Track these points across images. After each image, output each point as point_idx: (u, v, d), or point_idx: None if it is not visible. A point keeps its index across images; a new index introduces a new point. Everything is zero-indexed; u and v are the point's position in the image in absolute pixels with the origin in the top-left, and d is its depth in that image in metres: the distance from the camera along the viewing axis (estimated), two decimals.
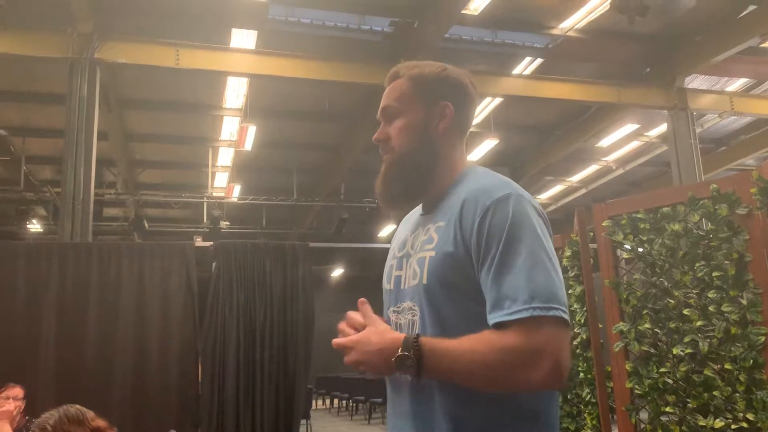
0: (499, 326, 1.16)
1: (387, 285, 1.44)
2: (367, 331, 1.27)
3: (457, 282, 1.25)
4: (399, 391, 1.33)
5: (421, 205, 1.45)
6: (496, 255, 1.19)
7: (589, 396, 3.40)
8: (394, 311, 1.37)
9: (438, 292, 1.26)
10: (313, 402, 14.26)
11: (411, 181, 1.39)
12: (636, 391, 2.93)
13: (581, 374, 3.48)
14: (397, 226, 1.57)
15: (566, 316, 1.16)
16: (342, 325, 1.31)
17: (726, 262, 2.68)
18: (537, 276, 1.16)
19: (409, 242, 1.40)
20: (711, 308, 2.71)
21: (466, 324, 1.21)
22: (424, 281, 1.28)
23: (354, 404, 13.45)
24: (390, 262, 1.45)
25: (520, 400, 1.22)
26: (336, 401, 15.00)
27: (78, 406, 2.56)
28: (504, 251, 1.19)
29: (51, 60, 8.22)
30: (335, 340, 1.28)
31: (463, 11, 8.37)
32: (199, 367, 5.40)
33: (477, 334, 1.18)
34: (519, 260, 1.17)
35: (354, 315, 1.32)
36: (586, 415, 3.44)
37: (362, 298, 1.34)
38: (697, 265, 2.77)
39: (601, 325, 3.28)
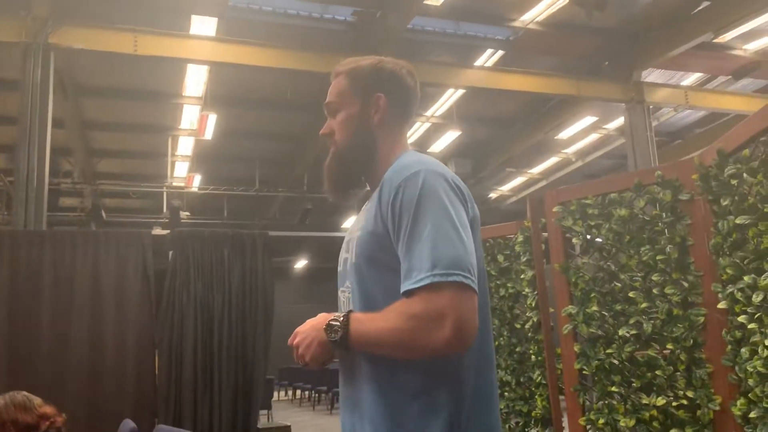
0: (407, 295, 1.23)
1: (339, 268, 1.53)
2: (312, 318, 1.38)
3: (381, 258, 1.33)
4: (342, 377, 1.43)
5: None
6: (406, 229, 1.27)
7: (540, 378, 3.48)
8: (341, 291, 1.47)
9: (364, 269, 1.36)
10: (276, 393, 14.23)
11: (350, 170, 1.50)
12: (584, 372, 3.01)
13: (533, 357, 3.55)
14: None
15: (468, 282, 1.22)
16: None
17: (669, 246, 2.76)
18: (439, 245, 1.23)
19: (354, 226, 1.49)
20: (655, 291, 2.80)
21: (391, 298, 1.28)
22: (353, 260, 1.39)
23: (316, 395, 13.47)
24: (342, 246, 1.54)
25: (447, 369, 1.28)
26: (298, 392, 14.98)
27: (25, 393, 2.53)
28: (412, 225, 1.27)
29: (3, 44, 7.98)
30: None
31: (426, 2, 8.41)
32: (156, 357, 5.34)
33: (392, 305, 1.25)
34: (424, 232, 1.25)
35: None
36: (537, 396, 3.52)
37: None
38: (642, 249, 2.85)
39: (552, 309, 3.35)
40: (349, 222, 15.91)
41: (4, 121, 10.56)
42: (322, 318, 1.34)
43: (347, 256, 1.46)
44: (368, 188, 1.54)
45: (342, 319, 1.29)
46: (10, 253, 5.13)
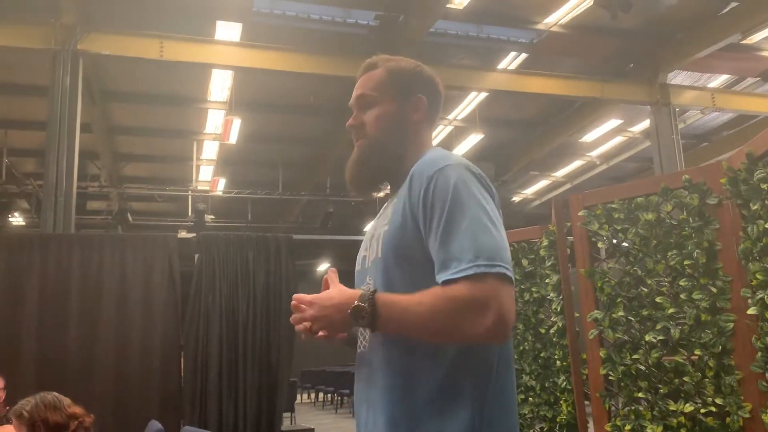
0: (446, 284, 1.22)
1: (357, 267, 1.52)
2: (329, 290, 1.34)
3: (409, 253, 1.31)
4: (361, 370, 1.41)
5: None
6: (441, 220, 1.26)
7: (565, 383, 3.45)
8: (362, 289, 1.43)
9: (391, 263, 1.33)
10: (298, 396, 14.28)
11: (382, 167, 1.48)
12: (610, 378, 2.98)
13: (557, 362, 3.53)
14: None
15: (510, 273, 1.21)
16: (296, 295, 1.35)
17: (697, 250, 2.73)
18: (480, 237, 1.22)
19: (375, 225, 1.48)
20: (682, 296, 2.76)
21: (416, 291, 1.26)
22: (380, 255, 1.36)
23: (339, 398, 13.48)
24: (362, 245, 1.53)
25: (474, 358, 1.28)
26: (321, 395, 15.01)
27: (54, 393, 2.58)
28: (449, 216, 1.25)
29: (33, 51, 8.15)
30: (296, 295, 1.33)
31: (448, 5, 8.41)
32: (182, 359, 5.39)
33: (428, 290, 1.24)
34: (463, 224, 1.24)
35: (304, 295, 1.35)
36: (562, 402, 3.49)
37: (332, 268, 1.42)
38: (669, 253, 2.82)
39: (577, 314, 3.32)
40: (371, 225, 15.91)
41: (33, 126, 10.77)
42: (347, 297, 1.28)
43: (366, 254, 1.45)
44: (389, 189, 1.53)
45: (367, 302, 1.25)
46: (39, 255, 5.23)
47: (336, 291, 1.32)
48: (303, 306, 1.31)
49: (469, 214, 1.24)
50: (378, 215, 1.50)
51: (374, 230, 1.45)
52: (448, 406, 1.24)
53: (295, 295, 1.33)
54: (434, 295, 1.22)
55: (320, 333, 1.31)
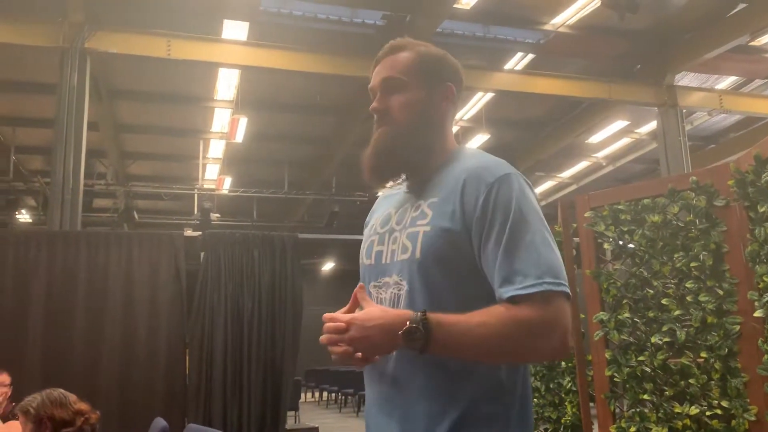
0: (511, 300, 1.19)
1: (367, 260, 1.43)
2: (367, 310, 1.23)
3: (453, 258, 1.26)
4: (375, 381, 1.35)
5: (404, 182, 1.45)
6: (504, 232, 1.22)
7: (570, 384, 3.45)
8: (375, 286, 1.37)
9: (433, 267, 1.27)
10: (302, 395, 14.30)
11: (408, 158, 1.38)
12: (615, 379, 2.97)
13: (563, 363, 3.52)
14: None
15: (569, 291, 1.21)
16: (327, 315, 1.25)
17: (704, 253, 2.72)
18: (545, 253, 1.21)
19: (393, 218, 1.40)
20: (688, 298, 2.76)
21: (457, 303, 1.22)
22: (418, 256, 1.28)
23: (343, 397, 13.49)
24: (370, 237, 1.45)
25: (501, 376, 1.26)
26: (325, 394, 15.03)
27: (61, 390, 2.59)
28: (513, 229, 1.22)
29: (41, 49, 8.18)
30: (329, 315, 1.23)
31: (455, 5, 8.40)
32: (187, 357, 5.41)
33: (484, 309, 1.19)
34: (527, 237, 1.21)
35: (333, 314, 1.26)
36: (567, 403, 3.49)
37: (361, 283, 1.35)
38: (675, 255, 2.81)
39: (582, 315, 3.32)
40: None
41: (41, 123, 10.81)
42: (393, 317, 1.19)
43: (383, 248, 1.37)
44: (407, 181, 1.44)
45: (420, 324, 1.16)
46: (46, 252, 5.26)
47: (377, 311, 1.22)
48: (340, 326, 1.20)
49: (532, 228, 1.22)
50: (396, 209, 1.41)
51: (398, 225, 1.37)
52: (480, 417, 1.23)
53: (328, 315, 1.23)
54: (499, 317, 1.17)
55: (364, 356, 1.21)
